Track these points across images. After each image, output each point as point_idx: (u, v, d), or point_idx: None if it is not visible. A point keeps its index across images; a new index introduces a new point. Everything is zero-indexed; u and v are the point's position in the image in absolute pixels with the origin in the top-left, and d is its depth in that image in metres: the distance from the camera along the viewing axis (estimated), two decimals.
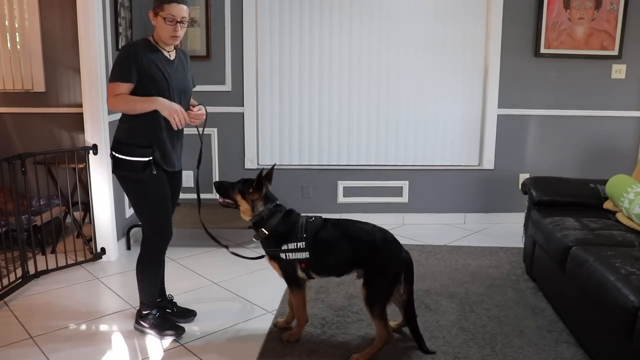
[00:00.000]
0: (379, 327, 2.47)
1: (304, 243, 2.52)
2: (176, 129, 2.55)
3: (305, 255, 2.52)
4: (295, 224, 2.58)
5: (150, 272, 2.75)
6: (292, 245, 2.53)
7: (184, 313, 2.91)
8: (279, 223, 2.57)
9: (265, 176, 2.63)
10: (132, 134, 2.59)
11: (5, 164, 3.19)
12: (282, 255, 2.55)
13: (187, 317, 2.90)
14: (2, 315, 2.96)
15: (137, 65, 2.49)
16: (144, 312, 2.77)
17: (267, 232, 2.57)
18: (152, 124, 2.58)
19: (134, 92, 2.54)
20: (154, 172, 2.58)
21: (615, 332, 2.22)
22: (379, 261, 2.48)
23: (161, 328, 2.74)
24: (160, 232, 2.70)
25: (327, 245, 2.53)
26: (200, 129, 2.79)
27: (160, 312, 2.79)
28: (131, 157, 2.57)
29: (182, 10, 2.51)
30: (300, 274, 2.59)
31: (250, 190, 2.59)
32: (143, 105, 2.52)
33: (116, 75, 2.51)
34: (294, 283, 2.61)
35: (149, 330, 2.75)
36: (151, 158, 2.58)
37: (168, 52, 2.62)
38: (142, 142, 2.58)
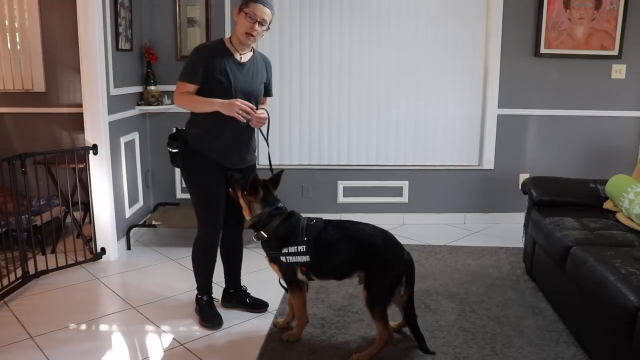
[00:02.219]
0: (379, 328, 2.47)
1: (304, 247, 2.51)
2: (245, 121, 2.62)
3: (305, 258, 2.52)
4: (296, 227, 2.57)
5: (199, 260, 2.89)
6: (292, 249, 2.52)
7: (258, 304, 3.02)
8: (279, 226, 2.57)
9: (271, 180, 2.65)
10: (188, 136, 2.72)
11: (5, 164, 3.19)
12: (283, 259, 2.55)
13: (260, 308, 3.00)
14: (2, 315, 2.96)
15: (203, 67, 2.60)
16: (198, 296, 2.96)
17: (266, 235, 2.57)
18: (207, 131, 2.68)
19: (199, 91, 2.65)
20: (181, 161, 2.71)
21: (615, 332, 2.22)
22: (380, 263, 2.47)
23: (203, 316, 2.88)
24: (205, 225, 2.81)
25: (329, 248, 2.53)
26: (264, 132, 2.85)
27: (210, 300, 2.94)
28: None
29: (265, 13, 2.59)
30: (301, 276, 2.59)
31: (245, 193, 2.59)
32: (205, 106, 2.64)
33: (183, 75, 2.66)
34: (294, 285, 2.62)
35: (196, 313, 2.93)
36: (177, 150, 2.71)
37: (241, 54, 2.68)
38: (192, 143, 2.70)
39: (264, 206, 2.59)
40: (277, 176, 2.67)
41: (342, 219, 2.76)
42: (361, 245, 2.51)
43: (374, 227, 2.59)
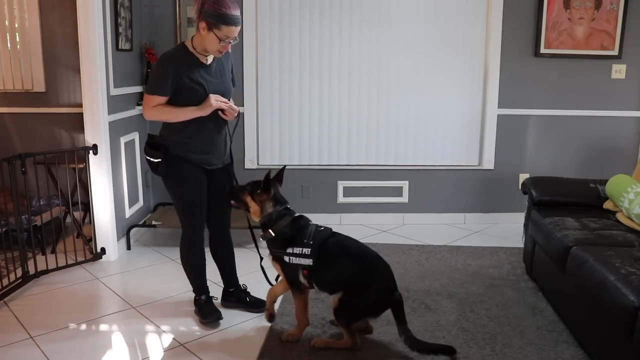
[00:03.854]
0: (345, 333, 2.54)
1: (309, 249, 2.51)
2: (226, 107, 2.64)
3: (308, 261, 2.52)
4: (304, 229, 2.59)
5: (186, 260, 2.90)
6: (297, 250, 2.53)
7: (257, 303, 2.99)
8: (286, 226, 2.59)
9: (275, 177, 2.67)
10: (168, 143, 2.71)
11: (5, 164, 3.19)
12: (286, 258, 2.56)
13: (260, 307, 2.97)
14: (2, 315, 2.96)
15: (172, 78, 2.57)
16: (196, 297, 2.95)
17: (273, 234, 2.58)
18: (189, 136, 2.68)
19: (173, 101, 2.62)
20: (164, 170, 2.72)
21: (615, 332, 2.22)
22: (369, 290, 2.49)
23: (202, 313, 2.87)
24: (189, 225, 2.83)
25: (332, 258, 2.53)
26: (231, 129, 2.85)
27: (208, 299, 2.93)
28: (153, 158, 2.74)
29: (237, 31, 2.55)
30: (302, 280, 2.59)
31: (258, 191, 2.61)
32: (184, 115, 2.62)
33: (152, 88, 2.62)
34: (296, 286, 2.62)
35: (196, 314, 2.92)
36: (159, 160, 2.69)
37: (206, 56, 2.66)
38: (172, 150, 2.69)
39: (275, 204, 2.62)
40: (280, 173, 2.71)
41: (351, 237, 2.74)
42: (361, 266, 2.52)
43: (378, 255, 2.60)
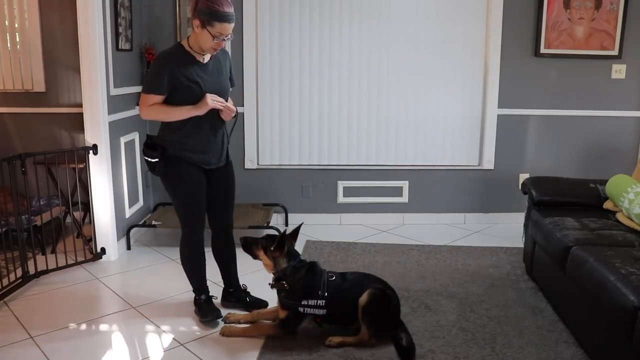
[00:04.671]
0: (364, 329, 2.59)
1: (324, 301, 2.60)
2: (222, 107, 2.63)
3: (322, 312, 2.61)
4: (318, 282, 2.64)
5: (186, 260, 2.91)
6: (312, 302, 2.60)
7: (257, 303, 3.01)
8: (302, 279, 2.64)
9: (291, 234, 2.72)
10: (165, 143, 2.71)
11: (5, 164, 3.19)
12: (300, 309, 2.61)
13: (260, 307, 2.99)
14: (2, 315, 2.96)
15: (168, 77, 2.57)
16: (195, 297, 2.95)
17: (287, 286, 2.63)
18: (186, 136, 2.68)
19: (169, 100, 2.62)
20: (162, 169, 2.72)
21: (615, 332, 2.22)
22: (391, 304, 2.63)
23: (202, 312, 2.87)
24: (189, 225, 2.83)
25: (343, 304, 2.62)
26: (229, 129, 2.85)
27: (208, 298, 2.93)
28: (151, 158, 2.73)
29: (231, 28, 2.55)
30: (309, 324, 2.67)
31: (272, 249, 2.64)
32: (180, 114, 2.63)
33: (148, 87, 2.61)
34: (288, 332, 2.66)
35: (196, 314, 2.92)
36: (157, 160, 2.69)
37: (202, 55, 2.67)
38: (170, 150, 2.70)
39: (289, 260, 2.66)
40: (296, 231, 2.76)
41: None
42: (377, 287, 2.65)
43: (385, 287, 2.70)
